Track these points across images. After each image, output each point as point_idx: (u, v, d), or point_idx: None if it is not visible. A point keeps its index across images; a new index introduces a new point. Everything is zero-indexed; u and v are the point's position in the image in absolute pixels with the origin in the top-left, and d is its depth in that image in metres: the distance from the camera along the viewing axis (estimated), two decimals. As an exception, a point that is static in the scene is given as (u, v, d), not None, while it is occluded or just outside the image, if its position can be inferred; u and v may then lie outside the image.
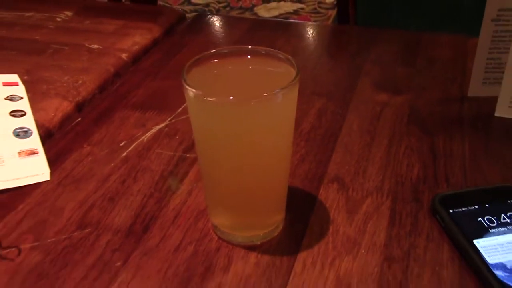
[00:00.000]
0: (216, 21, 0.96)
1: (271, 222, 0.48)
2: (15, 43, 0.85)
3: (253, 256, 0.46)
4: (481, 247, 0.44)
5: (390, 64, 0.76)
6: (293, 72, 0.41)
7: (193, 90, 0.39)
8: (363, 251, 0.46)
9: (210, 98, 0.39)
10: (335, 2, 2.96)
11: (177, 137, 0.61)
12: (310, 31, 0.87)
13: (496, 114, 0.63)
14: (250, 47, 0.44)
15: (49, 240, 0.48)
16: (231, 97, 0.38)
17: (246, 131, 0.41)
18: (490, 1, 0.61)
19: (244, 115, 0.40)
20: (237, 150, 0.42)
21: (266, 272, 0.44)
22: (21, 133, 0.62)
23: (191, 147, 0.59)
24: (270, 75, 0.43)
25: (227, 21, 0.99)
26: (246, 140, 0.41)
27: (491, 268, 0.42)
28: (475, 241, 0.45)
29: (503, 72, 0.63)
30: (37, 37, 0.87)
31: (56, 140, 0.62)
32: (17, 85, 0.72)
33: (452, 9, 0.91)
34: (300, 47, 0.82)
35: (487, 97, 0.65)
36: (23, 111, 0.66)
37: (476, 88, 0.66)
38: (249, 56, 0.44)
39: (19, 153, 0.59)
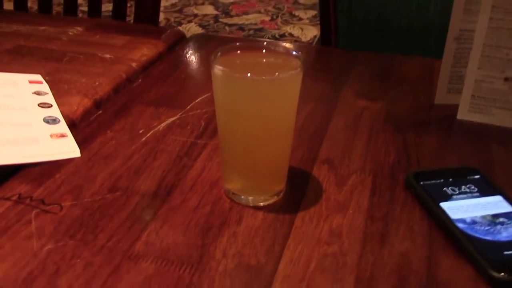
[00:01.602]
0: (214, 40, 1.08)
1: (275, 189, 0.57)
2: (34, 50, 0.94)
3: (260, 214, 0.55)
4: (446, 207, 0.55)
5: (368, 79, 0.88)
6: (298, 62, 0.52)
7: (221, 67, 0.49)
8: (350, 211, 0.56)
9: (233, 74, 0.49)
10: (311, 41, 3.15)
11: (188, 127, 0.71)
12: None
13: (458, 117, 0.75)
14: (265, 43, 0.55)
15: (86, 200, 0.56)
16: (248, 74, 0.48)
17: (260, 104, 0.51)
18: (453, 22, 0.74)
19: (258, 90, 0.50)
20: (251, 121, 0.52)
21: (272, 225, 0.54)
22: (50, 120, 0.71)
23: (201, 134, 0.69)
24: (280, 64, 0.54)
25: (223, 40, 1.10)
26: (259, 112, 0.52)
27: (454, 222, 0.53)
28: (441, 204, 0.55)
29: (463, 84, 0.75)
30: (53, 47, 0.96)
31: (81, 128, 0.71)
32: (41, 83, 0.80)
33: (421, 39, 1.04)
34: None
35: (451, 105, 0.77)
36: (49, 103, 0.75)
37: (441, 97, 0.79)
38: (264, 50, 0.55)
39: (51, 135, 0.68)
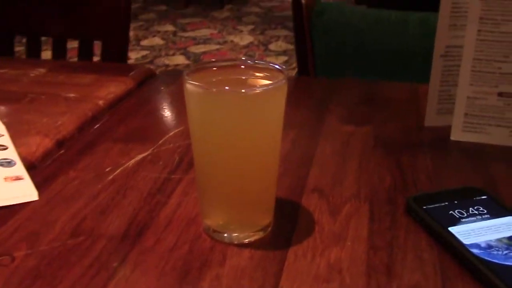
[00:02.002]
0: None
1: (261, 222, 0.50)
2: (-9, 93, 0.87)
3: (246, 252, 0.48)
4: (456, 232, 0.48)
5: (352, 104, 0.83)
6: (281, 74, 0.46)
7: (195, 83, 0.43)
8: (349, 243, 0.49)
9: (210, 89, 0.43)
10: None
11: (161, 163, 0.64)
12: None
13: (452, 138, 0.70)
14: (243, 58, 0.49)
15: (43, 248, 0.48)
16: (226, 87, 0.42)
17: (242, 124, 0.45)
18: (439, 38, 0.70)
19: (239, 106, 0.44)
20: (232, 145, 0.46)
21: (261, 263, 0.46)
22: (4, 163, 0.63)
23: (175, 169, 0.62)
24: (262, 78, 0.48)
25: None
26: (241, 133, 0.45)
27: (467, 247, 0.46)
28: (449, 228, 0.49)
29: (454, 103, 0.70)
30: (14, 88, 0.89)
31: (41, 169, 0.63)
32: (-3, 125, 0.73)
33: (402, 63, 1.01)
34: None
35: (442, 126, 0.72)
36: (5, 145, 0.68)
37: (431, 118, 0.74)
38: (243, 66, 0.49)
39: (5, 178, 0.60)
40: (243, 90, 0.44)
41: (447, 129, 0.71)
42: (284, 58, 3.71)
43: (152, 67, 3.59)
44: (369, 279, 0.44)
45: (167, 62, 3.72)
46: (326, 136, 0.71)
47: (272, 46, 4.00)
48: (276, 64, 0.48)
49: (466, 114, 0.69)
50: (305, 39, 1.02)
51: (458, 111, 0.70)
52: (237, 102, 0.44)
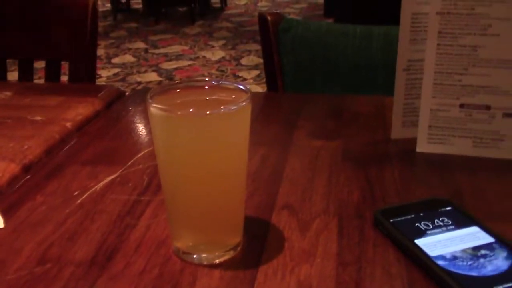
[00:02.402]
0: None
1: (231, 242, 0.50)
2: (-46, 119, 0.85)
3: (216, 272, 0.48)
4: (422, 245, 0.49)
5: (320, 119, 0.84)
6: (246, 95, 0.47)
7: (158, 106, 0.43)
8: (318, 260, 0.49)
9: (173, 112, 0.43)
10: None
11: (130, 184, 0.64)
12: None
13: (417, 149, 0.71)
14: (207, 79, 0.49)
15: (10, 277, 0.47)
16: (191, 109, 0.43)
17: (206, 146, 0.45)
18: (400, 53, 0.72)
19: (203, 128, 0.44)
20: (198, 166, 0.46)
21: (231, 284, 0.46)
22: (-31, 191, 0.62)
23: (144, 191, 0.62)
24: (226, 99, 0.48)
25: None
26: (206, 155, 0.45)
27: (433, 259, 0.47)
28: (416, 241, 0.50)
29: (418, 116, 0.72)
30: (-22, 113, 0.88)
31: (6, 196, 0.62)
32: (-39, 151, 0.72)
33: (367, 76, 1.03)
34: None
35: (409, 138, 0.73)
36: (-31, 172, 0.66)
37: (397, 131, 0.75)
38: (207, 87, 0.49)
39: (-31, 206, 0.59)
40: (208, 112, 0.44)
41: (413, 141, 0.72)
42: (256, 72, 3.74)
43: (124, 84, 3.58)
44: (339, 295, 0.45)
45: (139, 79, 3.71)
46: (295, 151, 0.72)
47: (243, 61, 4.03)
48: (240, 84, 0.48)
49: (430, 126, 0.71)
50: (273, 55, 1.03)
51: (423, 123, 0.71)
52: (202, 125, 0.44)
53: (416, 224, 0.52)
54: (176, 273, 0.48)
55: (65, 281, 0.47)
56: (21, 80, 1.16)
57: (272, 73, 1.03)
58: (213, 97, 0.48)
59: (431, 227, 0.52)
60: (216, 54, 4.24)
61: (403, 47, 0.72)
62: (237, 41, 4.56)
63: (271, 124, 0.82)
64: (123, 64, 4.06)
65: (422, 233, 0.51)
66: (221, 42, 4.58)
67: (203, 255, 0.49)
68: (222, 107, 0.44)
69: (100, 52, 4.30)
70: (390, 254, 0.50)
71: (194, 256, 0.49)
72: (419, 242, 0.50)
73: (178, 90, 0.48)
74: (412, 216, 0.54)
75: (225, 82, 0.49)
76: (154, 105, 0.44)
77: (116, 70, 3.91)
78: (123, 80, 3.71)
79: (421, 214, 0.54)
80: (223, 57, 4.14)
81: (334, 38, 1.04)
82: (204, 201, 0.48)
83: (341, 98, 0.92)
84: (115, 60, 4.16)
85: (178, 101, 0.47)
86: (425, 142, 0.71)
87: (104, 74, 3.82)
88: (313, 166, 0.67)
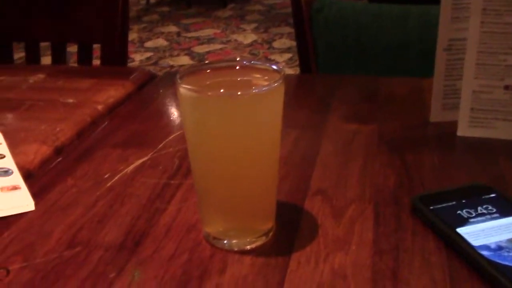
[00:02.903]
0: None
1: (263, 228, 0.49)
2: (-12, 102, 0.86)
3: (247, 259, 0.46)
4: (464, 233, 0.47)
5: (354, 101, 0.81)
6: (278, 75, 0.45)
7: (187, 86, 0.41)
8: (353, 247, 0.47)
9: (204, 92, 0.41)
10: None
11: (160, 167, 0.63)
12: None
13: (458, 133, 0.68)
14: (238, 59, 0.47)
15: (39, 260, 0.47)
16: (221, 90, 0.41)
17: (238, 128, 0.43)
18: (441, 32, 0.68)
19: (235, 109, 0.42)
20: (229, 150, 0.44)
21: (262, 271, 0.45)
22: (1, 173, 0.62)
23: (175, 174, 0.61)
24: (258, 80, 0.46)
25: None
26: (238, 138, 0.44)
27: (477, 249, 0.45)
28: (458, 229, 0.47)
29: (459, 97, 0.68)
30: (11, 95, 0.88)
31: (38, 178, 0.62)
32: (-6, 133, 0.72)
33: (402, 57, 0.99)
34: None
35: (448, 121, 0.70)
36: (2, 154, 0.66)
37: (437, 114, 0.72)
38: (238, 67, 0.47)
39: (1, 188, 0.59)
40: (239, 93, 0.42)
41: (453, 125, 0.69)
42: (288, 55, 3.69)
43: (156, 68, 3.59)
44: (375, 286, 0.43)
45: (171, 63, 3.71)
46: (329, 135, 0.69)
47: (276, 44, 3.98)
48: (273, 64, 0.46)
49: (472, 109, 0.67)
50: (306, 36, 1.00)
51: (464, 106, 0.68)
52: (233, 106, 0.42)
53: (458, 212, 0.50)
54: (206, 259, 0.46)
55: (94, 265, 0.46)
56: (54, 64, 1.16)
57: (305, 54, 1.00)
58: (245, 78, 0.46)
59: (473, 215, 0.49)
60: (248, 37, 4.21)
61: (444, 25, 0.69)
62: (269, 24, 4.51)
63: (304, 106, 0.80)
64: (156, 48, 4.07)
65: (464, 221, 0.48)
66: (253, 25, 4.54)
67: (234, 241, 0.48)
68: (253, 87, 0.42)
69: (133, 36, 4.32)
70: (429, 242, 0.47)
71: (225, 241, 0.48)
72: (461, 230, 0.47)
73: (208, 71, 0.46)
74: (453, 203, 0.51)
75: (257, 63, 0.47)
76: (184, 85, 0.42)
77: (148, 54, 3.93)
78: (155, 63, 3.72)
79: (463, 201, 0.51)
80: (255, 40, 4.11)
81: (369, 19, 1.00)
82: (235, 185, 0.46)
83: (376, 80, 0.89)
84: (148, 44, 4.17)
85: (208, 82, 0.45)
86: (467, 126, 0.68)
87: (137, 58, 3.84)
88: (348, 150, 0.65)
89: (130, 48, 4.07)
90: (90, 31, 1.13)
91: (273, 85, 0.43)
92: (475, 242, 0.45)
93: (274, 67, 0.46)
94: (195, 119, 0.44)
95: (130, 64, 3.69)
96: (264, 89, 0.43)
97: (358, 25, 1.02)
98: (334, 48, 1.04)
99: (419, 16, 0.96)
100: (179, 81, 0.43)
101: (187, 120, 0.45)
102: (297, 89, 0.88)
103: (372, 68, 1.02)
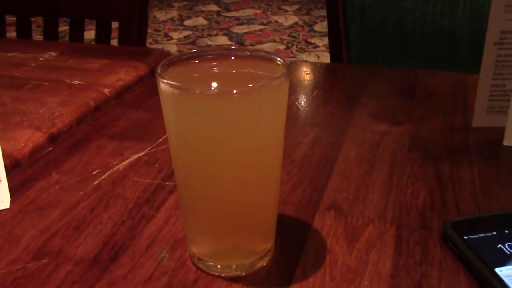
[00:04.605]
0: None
1: (258, 249, 0.41)
2: (-7, 79, 0.81)
3: (237, 287, 0.39)
4: (505, 276, 0.38)
5: (387, 97, 0.71)
6: (282, 69, 0.37)
7: (169, 81, 0.34)
8: (366, 282, 0.39)
9: (188, 90, 0.33)
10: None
11: (156, 165, 0.56)
12: (303, 69, 0.83)
13: (505, 143, 0.58)
14: (234, 47, 0.39)
15: (0, 271, 0.41)
16: (212, 87, 0.33)
17: (230, 132, 0.35)
18: (492, 23, 0.58)
19: (227, 111, 0.34)
20: (219, 157, 0.36)
21: (252, 306, 0.37)
22: (-16, 162, 0.56)
23: (171, 175, 0.54)
24: (256, 74, 0.38)
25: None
26: (230, 144, 0.36)
27: (519, 298, 0.36)
28: (497, 270, 0.38)
29: (509, 100, 0.58)
30: (17, 74, 0.83)
31: (22, 169, 0.56)
32: (-14, 116, 0.66)
33: (449, 48, 0.88)
34: (292, 83, 0.78)
35: (493, 127, 0.60)
36: (-10, 140, 0.61)
37: (480, 118, 0.62)
38: (233, 58, 0.39)
39: (-21, 180, 0.53)
40: (234, 91, 0.34)
41: (499, 131, 0.59)
42: (330, 39, 3.56)
43: (193, 47, 3.53)
44: (387, 336, 0.34)
45: (209, 42, 3.65)
46: (353, 136, 0.61)
47: (317, 27, 3.86)
48: (277, 56, 0.38)
49: (524, 115, 0.57)
50: (338, 21, 0.91)
51: (514, 111, 0.58)
52: (225, 107, 0.34)
53: (499, 246, 0.41)
54: (187, 285, 0.39)
55: (58, 282, 0.40)
56: (72, 41, 1.11)
57: (337, 42, 0.91)
58: (242, 69, 0.38)
59: (518, 250, 0.40)
60: (289, 19, 4.09)
61: (496, 15, 0.58)
62: (312, 6, 4.37)
63: (328, 101, 0.71)
64: (195, 26, 4.01)
65: (505, 259, 0.39)
66: (295, 6, 4.41)
67: (222, 264, 0.40)
68: (250, 84, 0.34)
69: (173, 13, 4.27)
70: (461, 282, 0.39)
71: (211, 264, 0.40)
72: (501, 271, 0.38)
73: (197, 61, 0.38)
74: (494, 233, 0.42)
75: (257, 52, 0.39)
76: (165, 80, 0.34)
77: (187, 33, 3.87)
78: (193, 43, 3.66)
79: (506, 231, 0.42)
80: (295, 23, 3.99)
81: (411, 2, 0.89)
82: (226, 199, 0.38)
83: (414, 73, 0.79)
84: (187, 22, 4.11)
85: (196, 75, 0.37)
86: (516, 134, 0.58)
87: (175, 36, 3.79)
88: (372, 155, 0.56)
89: (169, 26, 4.04)
90: (107, 6, 1.06)
91: (275, 82, 0.35)
92: (518, 288, 0.37)
93: (278, 58, 0.37)
94: (179, 120, 0.36)
95: (168, 42, 3.65)
96: (264, 85, 0.34)
97: (399, 9, 0.91)
98: (369, 35, 0.93)
99: (470, 3, 0.85)
100: (159, 74, 0.35)
101: (170, 123, 0.37)
102: (324, 80, 0.79)
103: (413, 60, 0.91)
